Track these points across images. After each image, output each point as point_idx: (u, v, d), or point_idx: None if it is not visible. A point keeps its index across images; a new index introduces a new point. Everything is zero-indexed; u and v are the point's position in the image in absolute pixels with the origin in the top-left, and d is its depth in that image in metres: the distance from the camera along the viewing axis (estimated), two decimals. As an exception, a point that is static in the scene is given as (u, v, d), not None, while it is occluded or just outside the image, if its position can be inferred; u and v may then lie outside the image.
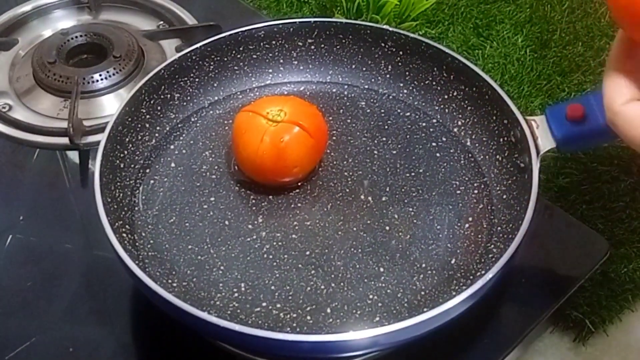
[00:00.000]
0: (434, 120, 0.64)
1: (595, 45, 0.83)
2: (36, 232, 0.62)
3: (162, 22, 0.82)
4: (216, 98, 0.66)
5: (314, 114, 0.59)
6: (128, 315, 0.57)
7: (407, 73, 0.66)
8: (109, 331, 0.56)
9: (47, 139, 0.69)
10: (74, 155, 0.69)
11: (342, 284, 0.53)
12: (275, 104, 0.58)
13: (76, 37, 0.77)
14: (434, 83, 0.65)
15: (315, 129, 0.58)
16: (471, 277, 0.53)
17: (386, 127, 0.64)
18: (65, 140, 0.68)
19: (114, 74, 0.73)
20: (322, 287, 0.53)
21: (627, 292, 0.64)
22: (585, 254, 0.61)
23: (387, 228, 0.57)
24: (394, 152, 0.62)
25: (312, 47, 0.67)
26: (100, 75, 0.73)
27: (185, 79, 0.64)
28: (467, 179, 0.60)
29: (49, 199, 0.66)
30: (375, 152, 0.62)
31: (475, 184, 0.59)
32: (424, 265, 0.54)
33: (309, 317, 0.51)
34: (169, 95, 0.63)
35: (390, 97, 0.66)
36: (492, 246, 0.54)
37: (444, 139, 0.63)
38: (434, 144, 0.62)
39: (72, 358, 0.54)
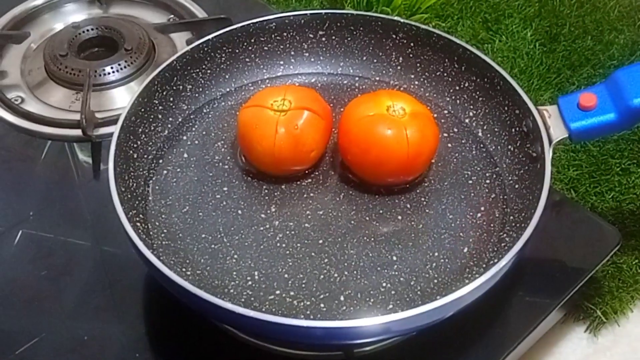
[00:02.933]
0: (445, 112, 0.64)
1: (604, 39, 0.84)
2: (46, 227, 0.62)
3: (172, 16, 0.82)
4: (228, 89, 0.67)
5: (316, 97, 0.59)
6: (138, 310, 0.57)
7: (418, 65, 0.66)
8: (119, 327, 0.56)
9: (59, 131, 0.69)
10: (84, 150, 0.69)
11: (355, 272, 0.53)
12: (276, 94, 0.58)
13: (87, 30, 0.77)
14: (445, 74, 0.65)
15: (323, 111, 0.58)
16: (484, 266, 0.53)
17: (397, 118, 0.64)
18: (77, 132, 0.68)
19: (125, 67, 0.73)
20: (336, 275, 0.53)
21: (638, 283, 0.64)
22: (596, 246, 0.61)
23: (400, 217, 0.57)
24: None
25: (323, 39, 0.67)
26: (111, 68, 0.73)
27: (197, 70, 0.64)
28: (479, 169, 0.60)
29: (60, 194, 0.66)
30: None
31: (487, 174, 0.59)
32: (436, 254, 0.54)
33: (322, 305, 0.51)
34: (181, 87, 0.63)
35: (402, 88, 0.66)
36: (505, 235, 0.54)
37: (456, 130, 0.63)
38: (445, 134, 0.62)
39: (82, 353, 0.54)
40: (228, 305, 0.46)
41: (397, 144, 0.54)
